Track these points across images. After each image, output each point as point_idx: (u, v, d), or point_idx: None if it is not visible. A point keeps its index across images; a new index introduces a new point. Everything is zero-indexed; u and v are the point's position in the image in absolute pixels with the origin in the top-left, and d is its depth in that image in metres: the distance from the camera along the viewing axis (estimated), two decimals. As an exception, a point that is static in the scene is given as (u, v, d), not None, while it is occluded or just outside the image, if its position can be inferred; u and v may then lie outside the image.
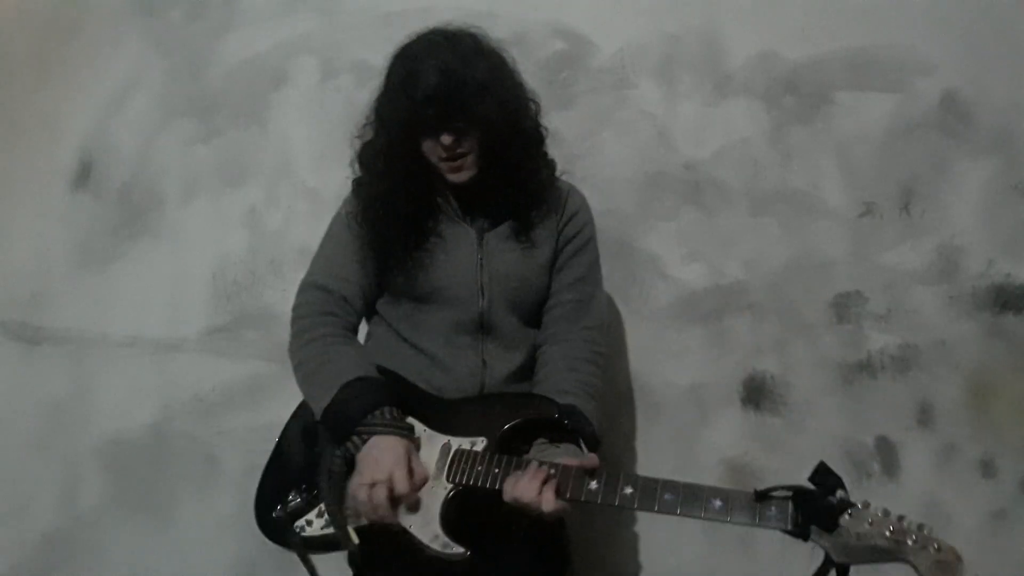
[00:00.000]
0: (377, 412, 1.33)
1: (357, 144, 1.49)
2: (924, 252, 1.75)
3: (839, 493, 1.11)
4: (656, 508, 1.18)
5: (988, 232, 1.72)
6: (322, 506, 1.36)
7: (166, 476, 2.10)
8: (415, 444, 1.36)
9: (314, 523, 1.36)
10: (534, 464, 1.27)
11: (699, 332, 1.84)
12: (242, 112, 2.13)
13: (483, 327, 1.46)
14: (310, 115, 2.08)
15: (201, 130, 2.15)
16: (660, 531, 1.82)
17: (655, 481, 1.20)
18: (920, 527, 1.08)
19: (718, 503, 1.16)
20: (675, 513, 1.17)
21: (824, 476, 1.13)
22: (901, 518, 1.08)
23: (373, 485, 1.29)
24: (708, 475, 1.80)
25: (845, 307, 1.77)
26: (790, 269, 1.80)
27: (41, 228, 2.24)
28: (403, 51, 1.41)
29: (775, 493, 1.14)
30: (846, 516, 1.09)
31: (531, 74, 1.94)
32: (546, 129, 1.50)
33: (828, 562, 1.11)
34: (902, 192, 1.76)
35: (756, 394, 1.80)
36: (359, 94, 1.97)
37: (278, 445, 1.52)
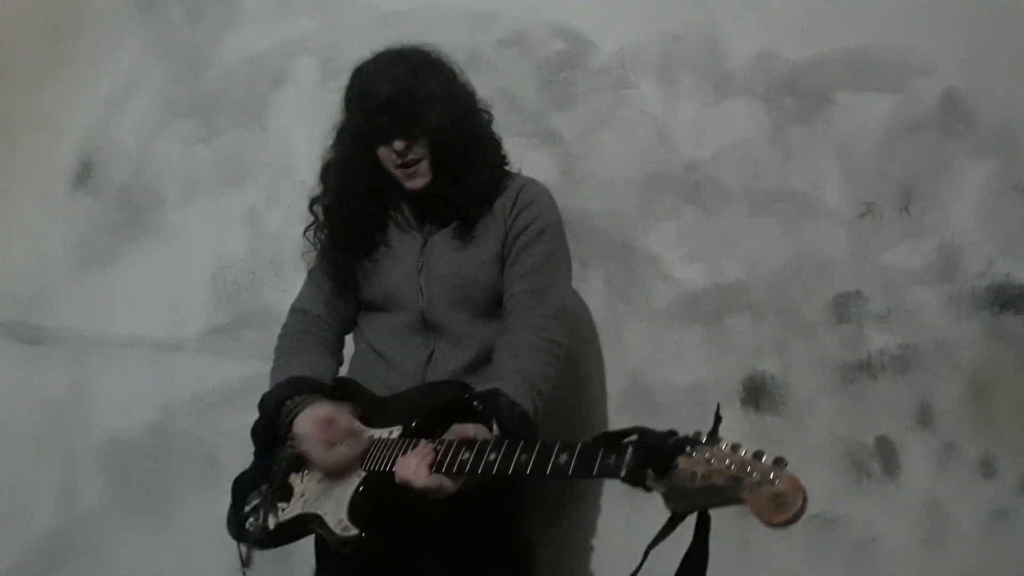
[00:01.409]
0: (288, 401, 1.46)
1: (319, 165, 1.62)
2: (924, 252, 1.74)
3: (695, 433, 0.97)
4: (511, 470, 1.15)
5: (988, 232, 1.72)
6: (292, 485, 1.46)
7: (166, 476, 2.11)
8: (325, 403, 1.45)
9: (258, 513, 1.48)
10: (423, 443, 1.30)
11: (699, 332, 1.84)
12: (242, 112, 2.13)
13: (428, 326, 1.53)
14: (310, 115, 2.08)
15: (201, 130, 2.15)
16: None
17: (515, 445, 1.18)
18: (777, 461, 0.89)
19: (564, 457, 1.09)
20: (526, 473, 1.13)
21: (716, 418, 1.00)
22: (759, 454, 0.91)
23: (312, 450, 1.39)
24: (708, 475, 1.80)
25: (845, 307, 1.77)
26: (790, 269, 1.80)
27: (41, 228, 2.24)
28: (359, 70, 1.53)
29: (614, 436, 1.04)
30: (685, 456, 0.94)
31: (531, 74, 1.95)
32: (500, 137, 1.59)
33: (674, 517, 0.97)
34: (902, 192, 1.76)
35: (756, 394, 1.80)
36: (359, 94, 1.98)
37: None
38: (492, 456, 1.19)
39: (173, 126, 2.18)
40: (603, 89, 1.90)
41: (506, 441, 1.20)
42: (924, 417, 1.73)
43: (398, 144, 1.47)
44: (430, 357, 1.52)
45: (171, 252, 2.15)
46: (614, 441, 1.04)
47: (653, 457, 0.97)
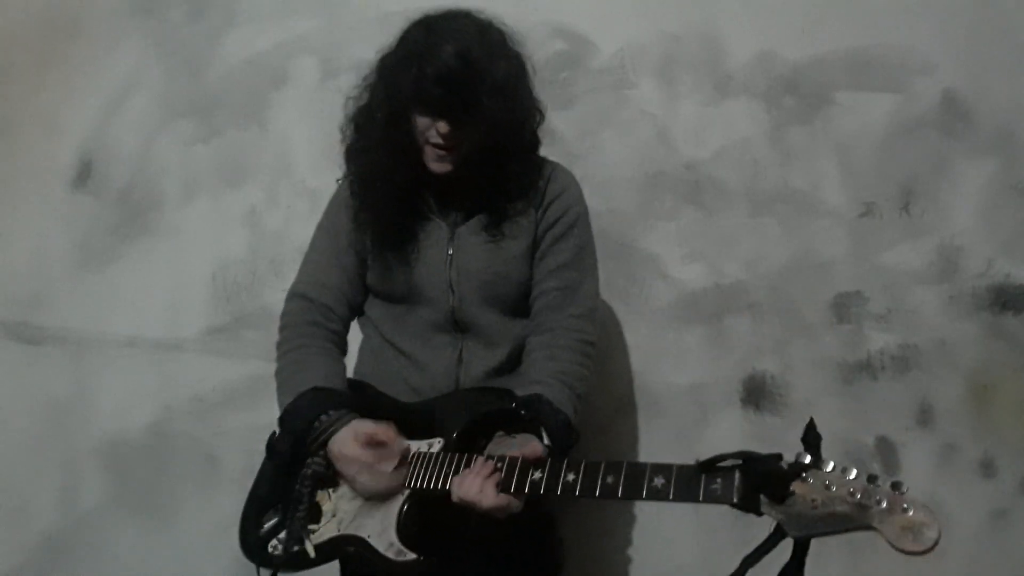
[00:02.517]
0: (318, 420, 1.33)
1: (351, 105, 1.46)
2: (924, 252, 1.75)
3: (798, 457, 0.96)
4: (598, 493, 1.11)
5: (988, 232, 1.72)
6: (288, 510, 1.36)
7: (166, 476, 2.11)
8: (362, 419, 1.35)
9: (309, 529, 1.35)
10: (480, 460, 1.23)
11: (699, 332, 1.84)
12: (242, 112, 2.12)
13: (458, 325, 1.44)
14: (310, 115, 2.08)
15: (201, 130, 2.15)
16: (659, 533, 1.82)
17: (597, 464, 1.13)
18: (895, 486, 0.90)
19: (660, 481, 1.06)
20: (617, 496, 1.09)
21: (809, 434, 0.97)
22: (873, 478, 0.92)
23: (358, 475, 1.30)
24: (708, 475, 1.80)
25: (845, 307, 1.77)
26: (790, 269, 1.80)
27: (41, 228, 2.24)
28: (427, 21, 1.36)
29: (723, 463, 1.01)
30: (800, 481, 0.94)
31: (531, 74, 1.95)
32: (541, 140, 1.49)
33: (777, 533, 0.96)
34: (902, 192, 1.76)
35: (756, 394, 1.80)
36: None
37: (260, 471, 1.50)
38: (571, 477, 1.14)
39: (173, 126, 2.17)
40: (603, 89, 1.91)
41: (584, 461, 1.14)
42: (924, 417, 1.73)
43: (442, 127, 1.33)
44: (460, 357, 1.44)
45: (171, 252, 2.15)
46: (712, 464, 1.02)
47: (768, 483, 0.96)
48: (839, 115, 1.79)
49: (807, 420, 0.98)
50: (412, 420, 1.37)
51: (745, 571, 0.98)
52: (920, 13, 1.75)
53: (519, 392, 1.36)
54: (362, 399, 1.42)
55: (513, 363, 1.46)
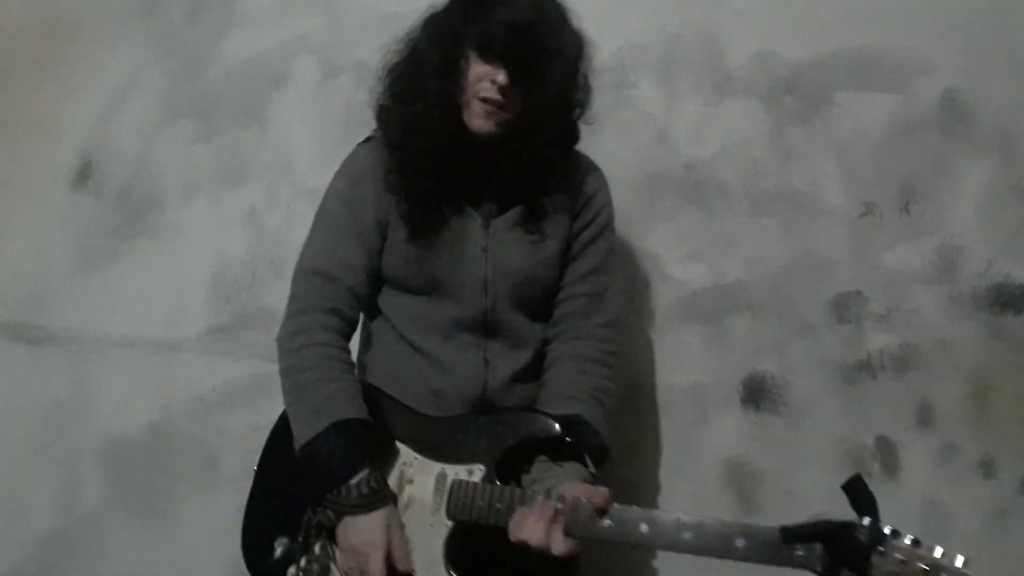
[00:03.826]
0: (352, 483, 1.21)
1: (388, 58, 1.36)
2: (924, 252, 1.74)
3: (866, 522, 1.03)
4: (673, 548, 1.12)
5: (988, 232, 1.72)
6: (318, 551, 1.27)
7: (166, 476, 2.10)
8: (396, 510, 1.25)
9: (311, 570, 1.27)
10: (539, 500, 1.18)
11: (699, 332, 1.84)
12: (242, 112, 2.12)
13: (486, 326, 1.36)
14: (310, 115, 2.08)
15: (201, 130, 2.15)
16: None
17: (672, 518, 1.13)
18: (968, 563, 1.00)
19: (741, 542, 1.09)
20: (694, 553, 1.11)
21: (856, 491, 1.06)
22: (944, 556, 1.00)
23: (360, 573, 1.22)
24: (708, 475, 1.80)
25: (845, 307, 1.77)
26: (790, 269, 1.80)
27: (41, 228, 2.24)
28: None
29: (802, 531, 1.07)
30: (876, 555, 1.02)
31: (531, 74, 1.95)
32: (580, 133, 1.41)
33: None
34: (902, 192, 1.76)
35: (756, 394, 1.80)
36: (359, 94, 1.97)
37: (258, 476, 1.42)
38: (644, 529, 1.13)
39: (173, 126, 2.17)
40: (603, 89, 1.89)
41: (657, 513, 1.14)
42: (924, 417, 1.73)
43: (502, 76, 1.23)
44: (485, 359, 1.36)
45: (171, 252, 2.14)
46: (794, 532, 1.07)
47: (850, 557, 1.02)
48: (839, 115, 1.79)
49: (853, 476, 1.06)
50: (442, 437, 1.29)
51: None
52: (920, 13, 1.75)
53: (554, 408, 1.31)
54: (383, 421, 1.31)
55: (536, 367, 1.41)
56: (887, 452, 1.74)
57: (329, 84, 2.06)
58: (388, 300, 1.40)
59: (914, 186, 1.76)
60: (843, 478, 1.73)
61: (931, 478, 1.71)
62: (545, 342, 1.43)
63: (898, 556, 1.01)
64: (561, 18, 1.30)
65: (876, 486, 1.69)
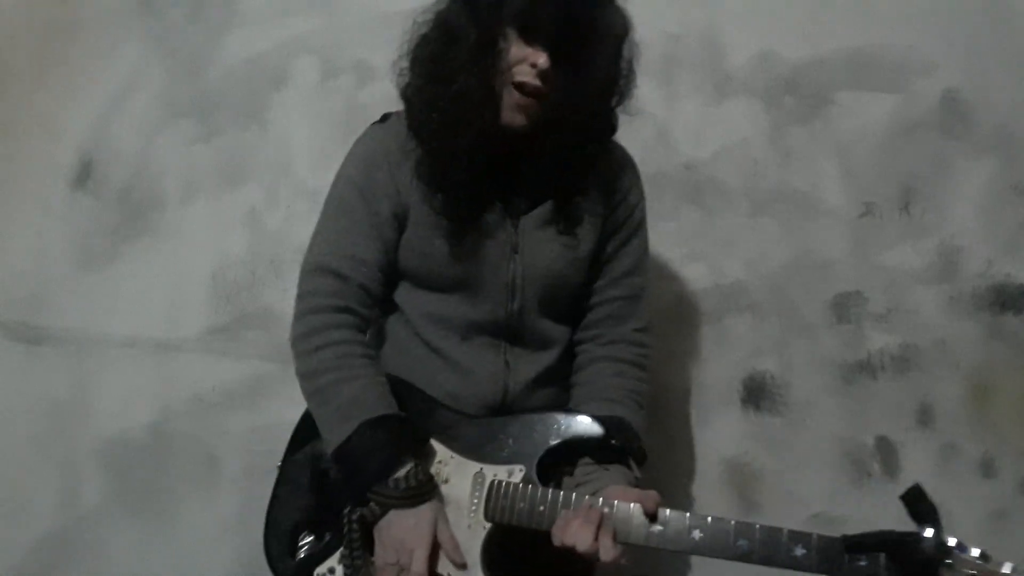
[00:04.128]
0: (398, 476, 1.15)
1: (413, 31, 1.23)
2: (924, 252, 1.75)
3: (929, 533, 1.01)
4: (728, 555, 1.07)
5: (988, 232, 1.72)
6: (341, 551, 1.20)
7: (166, 476, 2.10)
8: (441, 505, 1.19)
9: (337, 571, 1.21)
10: (585, 503, 1.12)
11: (699, 332, 1.84)
12: (242, 112, 2.12)
13: (509, 329, 1.28)
14: (310, 115, 2.08)
15: (201, 130, 2.15)
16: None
17: (726, 524, 1.08)
18: None
19: (800, 551, 1.04)
20: (751, 562, 1.06)
21: (917, 501, 1.04)
22: (1014, 571, 1.00)
23: (400, 569, 1.15)
24: (708, 475, 1.80)
25: (845, 307, 1.77)
26: (790, 269, 1.80)
27: (41, 228, 2.24)
28: None
29: (866, 540, 1.03)
30: (945, 568, 0.99)
31: (531, 74, 1.95)
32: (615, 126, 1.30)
33: None
34: (902, 192, 1.76)
35: (756, 394, 1.80)
36: (359, 94, 1.98)
37: (282, 472, 1.35)
38: (697, 535, 1.08)
39: (173, 126, 2.17)
40: (603, 89, 1.90)
41: (709, 518, 1.08)
42: (924, 417, 1.73)
43: (543, 59, 1.12)
44: (506, 362, 1.29)
45: (171, 252, 2.14)
46: (857, 542, 1.04)
47: (917, 569, 0.99)
48: (839, 115, 1.79)
49: (913, 487, 1.05)
50: (479, 436, 1.23)
51: None
52: (920, 13, 1.75)
53: (592, 411, 1.24)
54: (414, 417, 1.24)
55: (559, 369, 1.34)
56: (887, 452, 1.74)
57: (329, 84, 2.06)
58: (404, 295, 1.31)
59: (914, 186, 1.76)
60: (843, 478, 1.75)
61: (931, 478, 1.70)
62: (572, 344, 1.37)
63: (967, 571, 0.99)
64: (615, 4, 1.20)
65: (876, 486, 1.73)
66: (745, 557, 1.06)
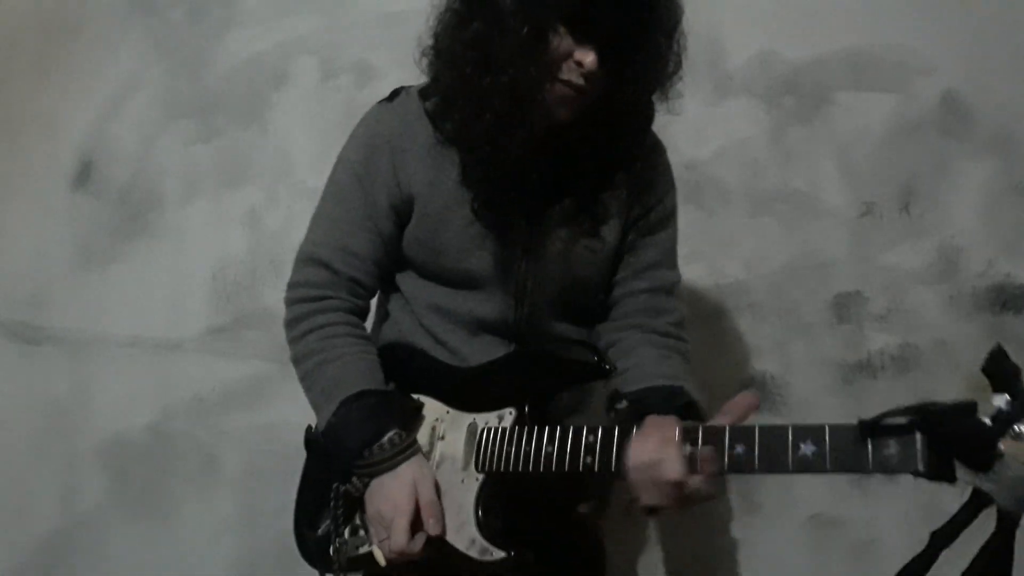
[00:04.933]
0: (378, 443, 1.10)
1: (434, 26, 1.14)
2: (924, 252, 1.74)
3: (1002, 402, 0.73)
4: (726, 467, 0.88)
5: (988, 232, 1.72)
6: (327, 526, 1.18)
7: (166, 476, 2.10)
8: (427, 463, 1.13)
9: (348, 541, 1.17)
10: (672, 423, 0.96)
11: (699, 332, 1.84)
12: (242, 112, 2.12)
13: (519, 331, 1.20)
14: (310, 115, 2.08)
15: (201, 130, 2.15)
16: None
17: (720, 432, 0.90)
18: None
19: (810, 448, 0.83)
20: (753, 471, 0.86)
21: (1000, 365, 0.74)
22: None
23: (386, 537, 1.09)
24: (708, 475, 1.79)
25: (845, 307, 1.77)
26: (790, 269, 1.80)
27: (41, 228, 2.24)
28: None
29: (890, 420, 0.79)
30: (1010, 438, 0.72)
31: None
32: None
33: (979, 499, 0.78)
34: (902, 192, 1.76)
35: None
36: (359, 94, 1.98)
37: (307, 460, 1.32)
38: (739, 449, 0.87)
39: (173, 126, 2.17)
40: (603, 89, 1.90)
41: (758, 427, 0.88)
42: (924, 417, 1.73)
43: (590, 58, 1.03)
44: None
45: (171, 252, 2.14)
46: (879, 425, 0.79)
47: (968, 446, 0.74)
48: (839, 115, 1.79)
49: (994, 347, 0.76)
50: (474, 387, 1.16)
51: (939, 551, 0.83)
52: (920, 13, 1.75)
53: (629, 389, 1.13)
54: (405, 371, 1.20)
55: None
56: (887, 452, 1.74)
57: (329, 84, 2.06)
58: (408, 283, 1.24)
59: (914, 186, 1.76)
60: (843, 478, 1.74)
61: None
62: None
63: None
64: (670, 5, 1.11)
65: (876, 486, 1.73)
66: (744, 467, 0.87)
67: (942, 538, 0.82)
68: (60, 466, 2.16)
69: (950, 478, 0.78)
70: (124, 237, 2.18)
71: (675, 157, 1.85)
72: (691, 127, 1.86)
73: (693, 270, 1.84)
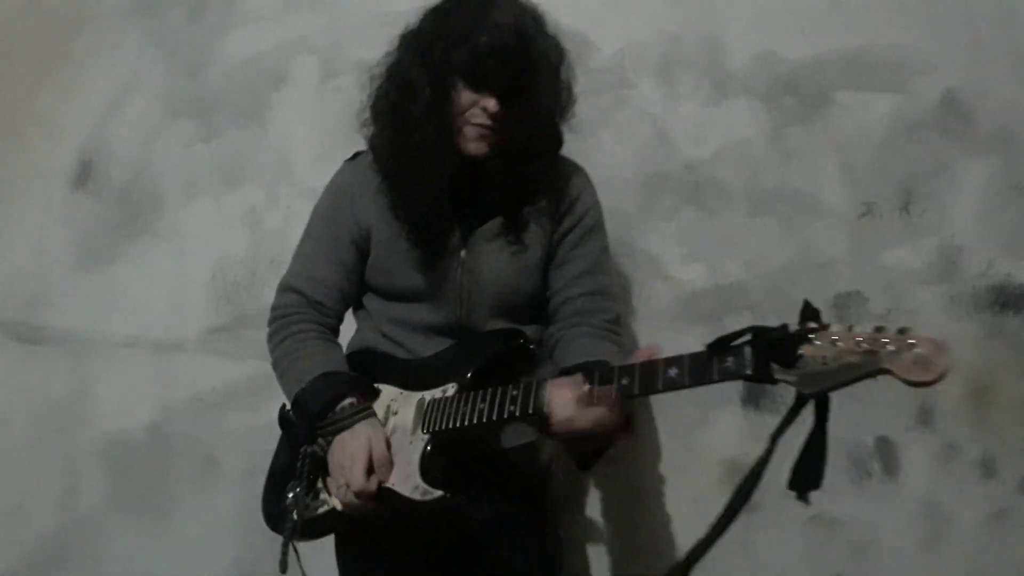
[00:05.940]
0: (337, 408, 1.31)
1: (371, 86, 1.41)
2: (924, 252, 1.74)
3: (803, 324, 0.98)
4: (616, 392, 1.14)
5: (988, 232, 1.72)
6: (291, 484, 1.36)
7: (166, 476, 2.11)
8: (379, 425, 1.33)
9: (310, 505, 1.36)
10: (566, 379, 1.22)
11: (699, 332, 1.83)
12: (242, 112, 2.13)
13: (464, 331, 1.41)
14: (310, 115, 2.08)
15: (201, 130, 2.15)
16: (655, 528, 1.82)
17: (611, 370, 1.16)
18: (901, 331, 0.95)
19: (674, 371, 1.10)
20: (633, 395, 1.13)
21: (807, 310, 1.00)
22: (879, 328, 0.96)
23: (345, 486, 1.29)
24: (708, 475, 1.80)
25: (845, 307, 1.77)
26: (790, 269, 1.80)
27: (41, 228, 2.24)
28: None
29: (732, 343, 1.04)
30: (808, 343, 0.97)
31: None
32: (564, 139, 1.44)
33: (799, 399, 1.01)
34: (902, 192, 1.76)
35: (756, 394, 1.80)
36: (359, 94, 1.98)
37: (276, 451, 1.51)
38: (624, 380, 1.15)
39: (173, 126, 2.18)
40: (603, 89, 1.90)
41: (638, 364, 1.15)
42: (924, 417, 1.73)
43: (492, 103, 1.29)
44: None
45: (171, 252, 2.15)
46: (723, 346, 1.04)
47: (778, 351, 0.99)
48: (839, 115, 1.79)
49: (803, 304, 1.01)
50: (425, 373, 1.37)
51: (774, 446, 1.05)
52: (920, 13, 1.75)
53: (565, 365, 1.33)
54: (373, 363, 1.43)
55: None
56: (887, 452, 1.74)
57: (329, 84, 2.07)
58: (371, 303, 1.48)
59: (914, 186, 1.76)
60: (843, 478, 1.74)
61: (931, 478, 1.71)
62: (540, 343, 1.45)
63: (831, 339, 0.96)
64: (540, 30, 1.33)
65: (876, 486, 1.73)
66: (628, 391, 1.13)
67: (777, 434, 1.04)
68: (60, 466, 2.16)
69: (769, 378, 1.00)
70: (124, 237, 2.18)
71: (675, 157, 1.86)
72: (691, 127, 1.86)
73: (693, 270, 1.84)
